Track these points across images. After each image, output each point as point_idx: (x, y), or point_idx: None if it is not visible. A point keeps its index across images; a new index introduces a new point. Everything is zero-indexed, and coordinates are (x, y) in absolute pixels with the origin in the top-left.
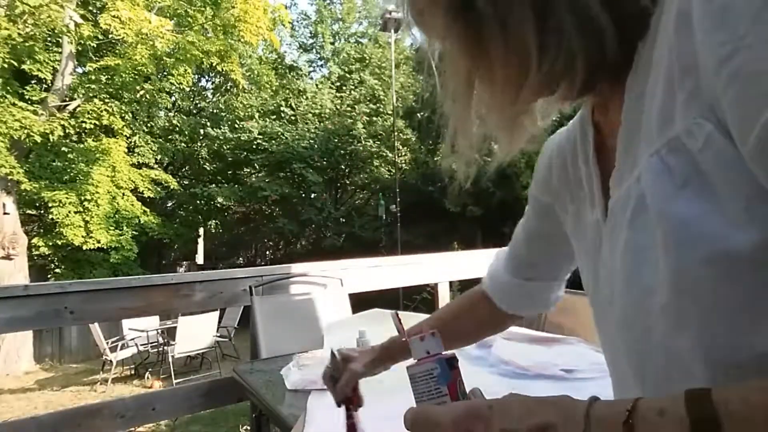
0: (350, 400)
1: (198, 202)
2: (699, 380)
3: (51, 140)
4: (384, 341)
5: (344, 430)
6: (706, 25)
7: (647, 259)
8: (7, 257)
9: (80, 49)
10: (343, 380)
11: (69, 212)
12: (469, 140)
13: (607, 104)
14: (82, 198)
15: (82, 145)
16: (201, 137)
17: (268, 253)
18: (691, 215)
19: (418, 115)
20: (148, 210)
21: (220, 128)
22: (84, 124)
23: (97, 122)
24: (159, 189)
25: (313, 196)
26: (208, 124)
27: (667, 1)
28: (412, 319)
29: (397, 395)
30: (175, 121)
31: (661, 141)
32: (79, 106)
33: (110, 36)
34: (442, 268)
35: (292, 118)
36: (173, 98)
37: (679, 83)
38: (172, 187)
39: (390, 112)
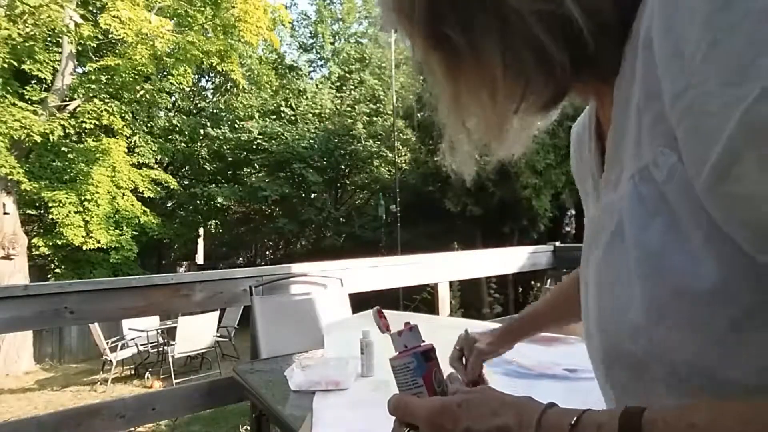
0: (476, 382)
1: (198, 202)
2: (662, 396)
3: (51, 140)
4: (505, 323)
5: None
6: (662, 58)
7: (621, 278)
8: (7, 257)
9: (80, 49)
10: (472, 359)
11: (69, 212)
12: (466, 145)
13: (602, 100)
14: (82, 198)
15: (82, 145)
16: (201, 137)
17: (268, 253)
18: (660, 246)
19: (418, 115)
20: (148, 210)
21: (220, 128)
22: (84, 124)
23: (97, 122)
24: (159, 189)
25: (313, 196)
26: (208, 124)
27: (644, 11)
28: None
29: None
30: (175, 121)
31: (635, 166)
32: (79, 106)
33: (110, 36)
34: (442, 268)
35: (292, 118)
36: (173, 98)
37: (645, 105)
38: (172, 187)
39: (390, 112)
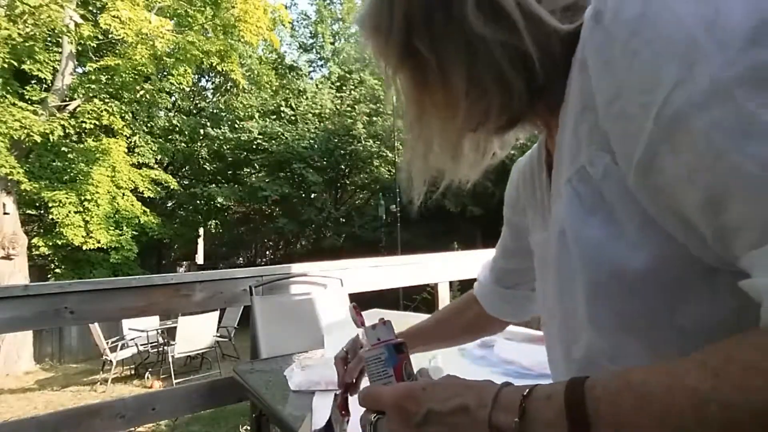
0: (350, 386)
1: (198, 202)
2: None
3: (51, 140)
4: (404, 330)
5: (332, 409)
6: (595, 72)
7: (569, 278)
8: (7, 257)
9: (80, 49)
10: (352, 363)
11: (69, 212)
12: (421, 161)
13: (550, 130)
14: (82, 198)
15: (82, 145)
16: (201, 137)
17: (268, 253)
18: (598, 239)
19: None
20: (148, 210)
21: (220, 128)
22: (84, 124)
23: (97, 122)
24: (159, 189)
25: (313, 196)
26: (208, 124)
27: (579, 45)
28: (411, 318)
29: None
30: (175, 121)
31: (572, 169)
32: (79, 106)
33: (110, 36)
34: (442, 268)
35: (292, 118)
36: (173, 98)
37: (581, 117)
38: (172, 187)
39: (390, 112)
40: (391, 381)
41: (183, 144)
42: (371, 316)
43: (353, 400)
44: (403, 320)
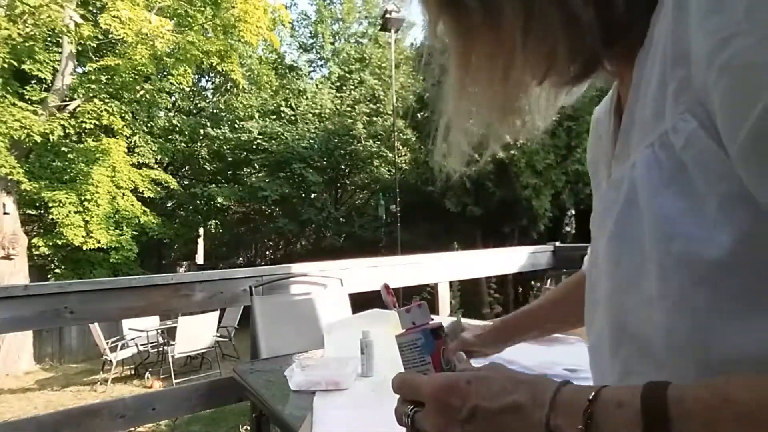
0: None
1: (198, 202)
2: (667, 372)
3: (51, 140)
4: (496, 321)
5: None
6: (701, 9)
7: (632, 246)
8: (7, 257)
9: (80, 49)
10: (453, 345)
11: (69, 212)
12: (462, 132)
13: (623, 77)
14: (82, 198)
15: (82, 145)
16: (201, 137)
17: (268, 253)
18: (672, 212)
19: (418, 115)
20: (148, 210)
21: (220, 128)
22: (84, 124)
23: (97, 122)
24: (159, 189)
25: (313, 196)
26: (208, 124)
27: None
28: None
29: None
30: (175, 121)
31: (655, 134)
32: (79, 106)
33: (110, 36)
34: (442, 268)
35: (292, 118)
36: (173, 98)
37: (671, 72)
38: (172, 187)
39: (390, 112)
40: (428, 369)
41: (183, 144)
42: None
43: None
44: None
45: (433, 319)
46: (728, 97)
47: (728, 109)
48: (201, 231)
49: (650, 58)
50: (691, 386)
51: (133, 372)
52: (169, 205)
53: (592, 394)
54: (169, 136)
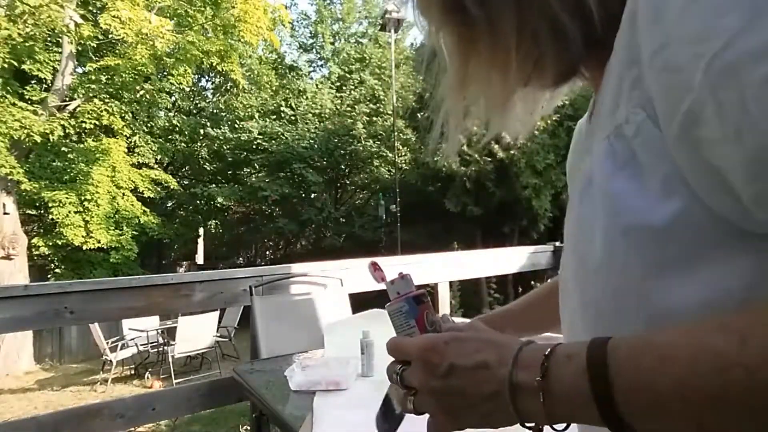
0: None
1: (198, 202)
2: (615, 332)
3: (51, 140)
4: (473, 319)
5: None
6: (644, 22)
7: (587, 230)
8: (7, 257)
9: (80, 49)
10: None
11: (69, 212)
12: (459, 128)
13: (597, 84)
14: (82, 198)
15: (82, 145)
16: (201, 137)
17: (268, 253)
18: (622, 191)
19: (418, 115)
20: (148, 210)
21: (220, 128)
22: (84, 124)
23: (97, 122)
24: (159, 189)
25: (313, 196)
26: (208, 124)
27: None
28: None
29: None
30: (175, 121)
31: (611, 127)
32: (79, 106)
33: (110, 36)
34: (442, 268)
35: (292, 118)
36: (173, 98)
37: (627, 73)
38: (172, 187)
39: (390, 112)
40: (414, 332)
41: (183, 144)
42: (371, 316)
43: None
44: None
45: (417, 289)
46: (664, 94)
47: (664, 105)
48: (201, 231)
49: (611, 65)
50: (626, 337)
51: (133, 372)
52: (169, 205)
53: (548, 350)
54: (169, 136)
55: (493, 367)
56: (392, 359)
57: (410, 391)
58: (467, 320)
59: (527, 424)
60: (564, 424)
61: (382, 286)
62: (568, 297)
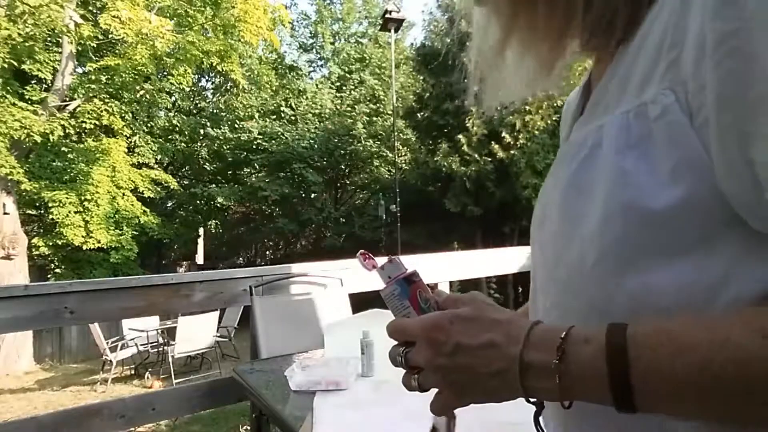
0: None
1: (198, 202)
2: (584, 302)
3: (51, 140)
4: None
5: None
6: (708, 4)
7: (584, 195)
8: (7, 257)
9: (80, 49)
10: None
11: (69, 212)
12: (496, 84)
13: (600, 57)
14: (82, 198)
15: (82, 145)
16: (201, 137)
17: (268, 253)
18: (630, 168)
19: (418, 115)
20: (148, 210)
21: (220, 128)
22: (84, 124)
23: (97, 122)
24: (159, 189)
25: (313, 196)
26: (208, 124)
27: None
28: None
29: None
30: (175, 121)
31: (633, 103)
32: (79, 106)
33: (110, 36)
34: (442, 268)
35: (292, 118)
36: (173, 98)
37: (664, 54)
38: (172, 187)
39: (390, 112)
40: (409, 312)
41: (183, 144)
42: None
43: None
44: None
45: (407, 269)
46: (723, 81)
47: (720, 91)
48: (201, 231)
49: (644, 46)
50: (643, 324)
51: (133, 372)
52: (169, 205)
53: (564, 332)
54: (169, 136)
55: (501, 346)
56: (394, 343)
57: (414, 370)
58: (460, 294)
59: (531, 399)
60: (568, 402)
61: (381, 286)
62: (545, 251)
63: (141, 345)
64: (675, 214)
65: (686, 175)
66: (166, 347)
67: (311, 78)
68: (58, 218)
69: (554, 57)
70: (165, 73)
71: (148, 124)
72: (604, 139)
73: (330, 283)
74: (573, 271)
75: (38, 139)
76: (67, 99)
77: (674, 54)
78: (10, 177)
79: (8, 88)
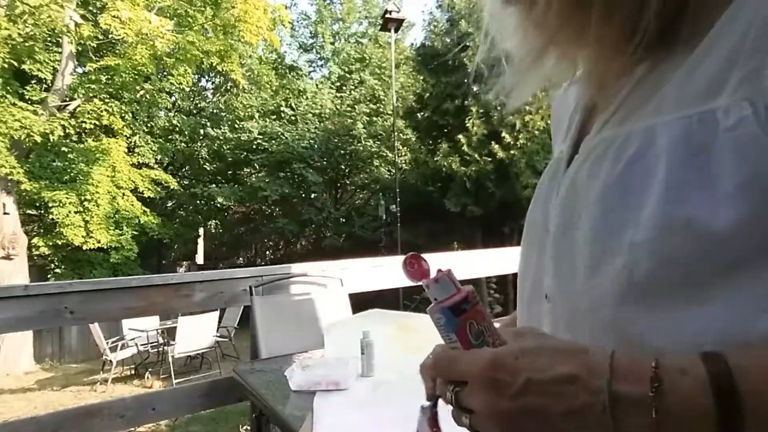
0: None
1: (198, 202)
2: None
3: (51, 140)
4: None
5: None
6: None
7: (631, 199)
8: (7, 257)
9: (80, 49)
10: None
11: (69, 212)
12: (525, 85)
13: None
14: (82, 198)
15: (82, 145)
16: (201, 137)
17: (268, 253)
18: (688, 181)
19: (418, 115)
20: (148, 210)
21: (220, 128)
22: (84, 124)
23: (97, 122)
24: (159, 189)
25: (313, 196)
26: (208, 124)
27: None
28: (411, 319)
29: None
30: (175, 121)
31: (697, 108)
32: (79, 106)
33: (110, 36)
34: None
35: (292, 118)
36: (173, 98)
37: (746, 61)
38: (172, 187)
39: (390, 112)
40: (456, 347)
41: (183, 144)
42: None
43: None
44: (403, 321)
45: (457, 291)
46: None
47: None
48: (201, 231)
49: (714, 48)
50: (745, 355)
51: (133, 372)
52: (169, 205)
53: (653, 361)
54: (169, 136)
55: (582, 379)
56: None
57: (465, 411)
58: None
59: None
60: None
61: (382, 286)
62: (565, 258)
63: (141, 345)
64: (734, 234)
65: (753, 193)
66: (166, 347)
67: (311, 78)
68: (58, 218)
69: (601, 65)
70: (165, 73)
71: (148, 124)
72: (657, 143)
73: (330, 283)
74: (611, 282)
75: (38, 139)
76: (67, 99)
77: (756, 63)
78: (10, 177)
79: (8, 88)
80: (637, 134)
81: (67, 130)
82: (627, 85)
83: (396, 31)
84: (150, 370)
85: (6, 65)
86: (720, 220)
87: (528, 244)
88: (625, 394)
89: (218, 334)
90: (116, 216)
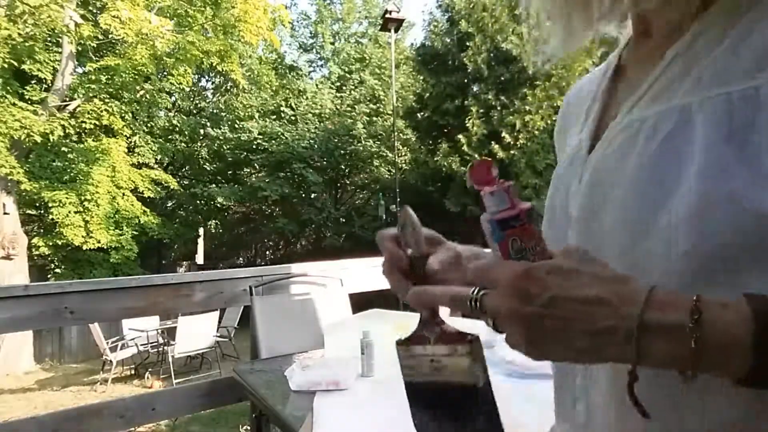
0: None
1: (198, 202)
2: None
3: (51, 140)
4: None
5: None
6: None
7: (668, 175)
8: (7, 257)
9: (80, 49)
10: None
11: (69, 212)
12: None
13: (649, 30)
14: (82, 198)
15: (82, 145)
16: (201, 137)
17: (268, 253)
18: (730, 157)
19: (418, 115)
20: (148, 210)
21: (220, 128)
22: (84, 124)
23: (97, 122)
24: (159, 189)
25: (313, 196)
26: (208, 124)
27: None
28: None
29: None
30: (175, 121)
31: (739, 85)
32: (79, 106)
33: (110, 36)
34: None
35: (292, 118)
36: (173, 98)
37: None
38: (172, 187)
39: (390, 112)
40: (498, 257)
41: (183, 144)
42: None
43: None
44: (403, 321)
45: (511, 207)
46: None
47: None
48: (201, 231)
49: (755, 20)
50: None
51: (133, 372)
52: (169, 205)
53: (695, 295)
54: (169, 136)
55: (611, 304)
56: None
57: (487, 315)
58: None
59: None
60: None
61: (382, 286)
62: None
63: (141, 345)
64: None
65: None
66: (166, 347)
67: (311, 78)
68: (58, 218)
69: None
70: (165, 73)
71: (148, 124)
72: (694, 119)
73: (330, 283)
74: (650, 260)
75: (38, 139)
76: (67, 99)
77: None
78: (10, 177)
79: (8, 88)
80: (671, 112)
81: (67, 130)
82: (657, 68)
83: (396, 31)
84: (150, 370)
85: (6, 65)
86: (755, 202)
87: (550, 231)
88: (657, 322)
89: (218, 334)
90: (116, 216)
